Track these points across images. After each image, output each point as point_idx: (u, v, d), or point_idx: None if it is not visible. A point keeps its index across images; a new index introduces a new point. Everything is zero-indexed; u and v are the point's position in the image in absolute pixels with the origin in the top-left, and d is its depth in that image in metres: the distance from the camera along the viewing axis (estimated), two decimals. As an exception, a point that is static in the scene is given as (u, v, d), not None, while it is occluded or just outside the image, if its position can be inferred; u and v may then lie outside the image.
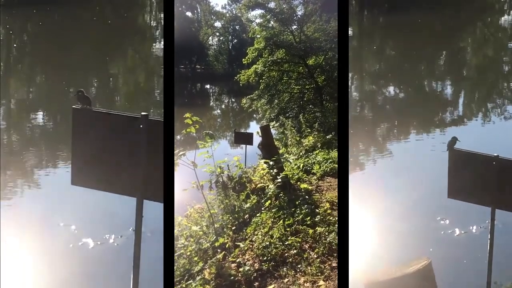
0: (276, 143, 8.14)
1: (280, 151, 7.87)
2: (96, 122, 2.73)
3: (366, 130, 7.92)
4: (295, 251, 3.64)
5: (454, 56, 10.92)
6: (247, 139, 8.21)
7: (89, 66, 9.22)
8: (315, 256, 3.53)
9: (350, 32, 12.36)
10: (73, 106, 2.75)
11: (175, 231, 4.83)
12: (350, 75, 10.68)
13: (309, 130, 8.65)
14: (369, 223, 4.84)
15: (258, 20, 12.45)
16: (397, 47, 11.16)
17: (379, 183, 5.72)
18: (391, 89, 10.13)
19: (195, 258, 4.28)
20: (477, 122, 8.52)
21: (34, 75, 9.37)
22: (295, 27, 11.63)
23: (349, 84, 10.46)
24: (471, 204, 3.45)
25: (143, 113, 2.68)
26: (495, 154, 3.30)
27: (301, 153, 7.66)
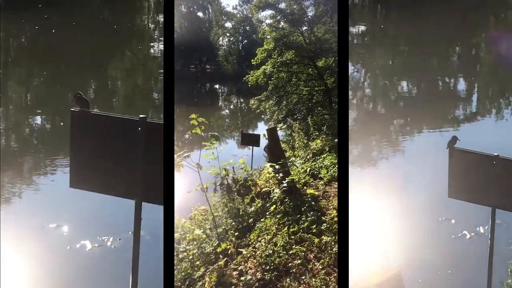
0: (283, 145, 8.01)
1: (287, 154, 7.73)
2: (94, 124, 2.67)
3: (378, 126, 7.83)
4: (299, 261, 3.50)
5: (468, 52, 10.72)
6: (254, 140, 8.10)
7: (87, 69, 9.27)
8: (320, 267, 3.38)
9: (363, 28, 12.25)
10: (71, 109, 2.70)
11: (178, 234, 4.76)
12: (363, 71, 10.59)
13: (317, 133, 8.48)
14: (379, 223, 4.74)
15: (268, 21, 12.36)
16: (410, 43, 10.97)
17: (391, 180, 5.61)
18: (404, 85, 10.00)
19: (197, 262, 4.19)
20: (490, 119, 8.39)
21: (32, 78, 9.44)
22: (305, 28, 11.49)
23: (362, 80, 10.36)
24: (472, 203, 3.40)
25: (141, 116, 2.62)
26: (496, 154, 3.25)
27: (308, 157, 7.51)
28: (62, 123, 7.01)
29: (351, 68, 10.20)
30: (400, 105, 9.14)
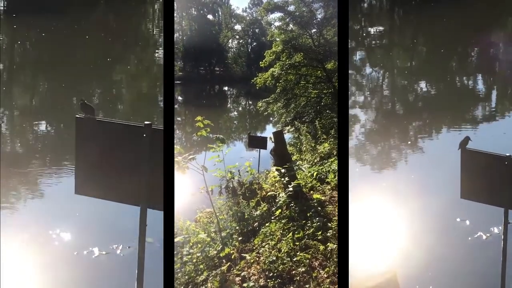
0: (290, 148, 7.93)
1: (294, 157, 7.65)
2: (99, 131, 2.67)
3: (397, 126, 7.74)
4: (303, 269, 3.43)
5: (486, 52, 10.49)
6: (261, 143, 8.07)
7: (92, 75, 9.30)
8: (325, 276, 3.31)
9: (381, 28, 12.16)
10: (76, 115, 2.71)
11: (182, 236, 4.75)
12: (381, 72, 10.46)
13: (324, 137, 8.37)
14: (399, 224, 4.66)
15: (277, 23, 12.34)
16: (429, 43, 10.80)
17: (409, 182, 5.51)
18: (423, 85, 9.88)
19: (201, 266, 4.16)
20: (510, 119, 8.21)
21: (37, 83, 9.49)
22: (314, 30, 11.43)
23: (381, 80, 10.24)
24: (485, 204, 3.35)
25: (146, 122, 2.62)
26: (507, 154, 3.20)
27: (315, 160, 7.41)
28: (64, 128, 7.01)
29: (369, 69, 10.08)
30: (418, 105, 9.00)
